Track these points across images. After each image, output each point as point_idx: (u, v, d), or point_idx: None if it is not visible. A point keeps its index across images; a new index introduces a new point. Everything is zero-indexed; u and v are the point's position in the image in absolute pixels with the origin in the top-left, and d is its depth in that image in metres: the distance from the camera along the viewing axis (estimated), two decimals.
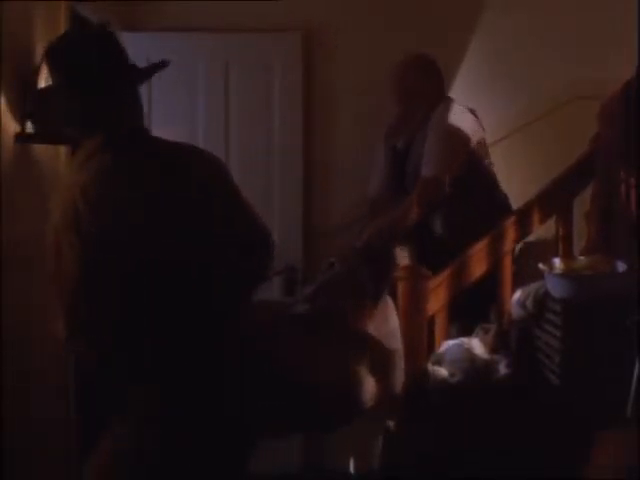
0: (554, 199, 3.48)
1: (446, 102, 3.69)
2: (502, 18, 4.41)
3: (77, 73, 2.18)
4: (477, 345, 3.05)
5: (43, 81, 2.77)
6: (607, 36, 4.16)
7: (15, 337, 2.71)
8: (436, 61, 3.79)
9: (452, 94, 4.00)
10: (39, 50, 2.92)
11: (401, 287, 3.09)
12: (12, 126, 2.74)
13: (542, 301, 3.05)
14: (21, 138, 2.77)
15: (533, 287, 3.12)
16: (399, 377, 2.49)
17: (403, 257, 3.23)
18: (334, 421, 2.34)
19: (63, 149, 3.15)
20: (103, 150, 2.18)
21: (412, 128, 3.72)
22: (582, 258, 3.10)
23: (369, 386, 2.33)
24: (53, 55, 2.26)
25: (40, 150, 2.94)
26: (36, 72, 2.82)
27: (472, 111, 3.71)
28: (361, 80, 4.43)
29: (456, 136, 3.58)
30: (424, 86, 3.71)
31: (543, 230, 3.66)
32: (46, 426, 3.04)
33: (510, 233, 3.37)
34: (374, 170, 3.91)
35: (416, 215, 3.54)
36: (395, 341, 2.52)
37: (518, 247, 3.64)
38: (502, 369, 2.97)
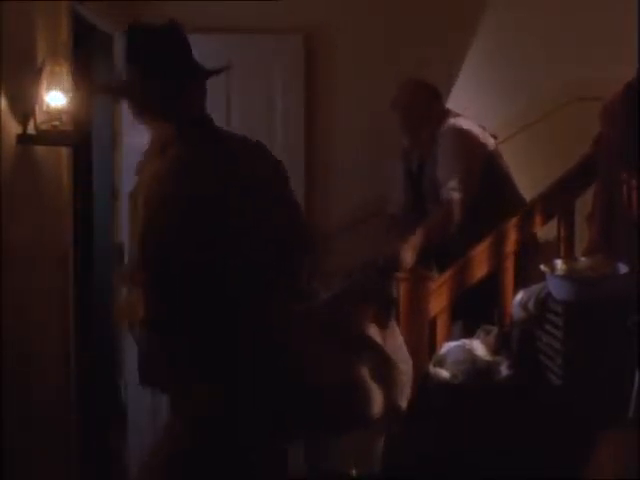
0: (556, 200, 3.47)
1: (453, 119, 3.69)
2: (502, 18, 4.40)
3: (155, 65, 2.26)
4: (479, 346, 3.05)
5: (45, 83, 2.77)
6: (607, 36, 4.16)
7: (15, 337, 2.71)
8: (435, 86, 3.80)
9: (452, 95, 4.01)
10: (39, 50, 2.92)
11: (403, 288, 3.09)
12: (13, 127, 2.74)
13: (544, 302, 3.04)
14: (22, 139, 2.77)
15: (535, 288, 3.12)
16: (404, 392, 2.44)
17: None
18: (338, 424, 2.31)
19: (64, 150, 3.15)
20: (177, 141, 2.23)
21: (422, 150, 3.76)
22: (584, 259, 3.10)
23: (376, 396, 2.30)
24: (130, 47, 2.32)
25: (41, 151, 2.94)
26: (39, 72, 2.82)
27: (480, 125, 3.73)
28: (362, 81, 4.43)
29: (469, 152, 3.61)
30: (427, 112, 3.73)
31: (545, 231, 3.65)
32: (46, 426, 3.04)
33: (512, 234, 3.37)
34: (393, 188, 3.95)
35: (439, 237, 3.52)
36: (402, 355, 2.48)
37: None
38: (504, 370, 2.96)
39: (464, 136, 3.63)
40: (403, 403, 2.39)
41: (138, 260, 2.15)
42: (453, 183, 3.54)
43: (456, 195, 3.53)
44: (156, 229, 2.11)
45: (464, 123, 3.68)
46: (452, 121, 3.68)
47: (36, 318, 2.98)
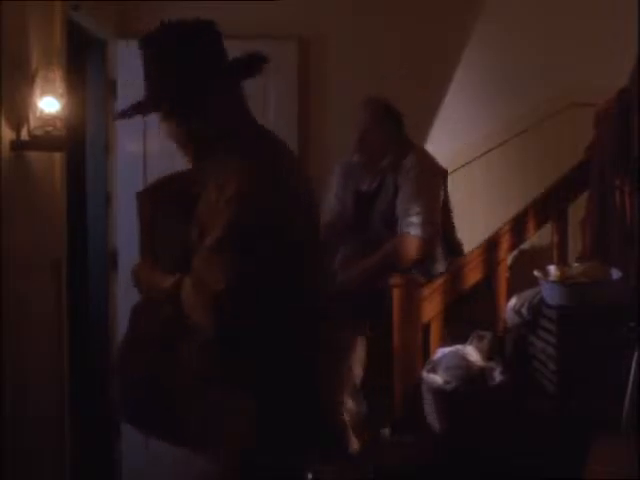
0: (549, 206, 3.48)
1: (415, 151, 3.50)
2: (498, 21, 4.39)
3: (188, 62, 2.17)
4: (472, 352, 3.05)
5: (39, 89, 2.77)
6: (607, 37, 4.13)
7: (15, 337, 2.72)
8: (392, 105, 3.56)
9: (449, 101, 3.99)
10: (33, 56, 2.91)
11: (396, 294, 3.09)
12: (7, 133, 2.74)
13: (537, 308, 3.05)
14: (16, 145, 2.77)
15: (528, 294, 3.12)
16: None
17: None
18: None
19: (58, 156, 3.14)
20: (228, 146, 2.17)
21: (378, 175, 3.53)
22: (577, 265, 3.11)
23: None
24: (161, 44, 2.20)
25: (35, 157, 2.94)
26: (32, 78, 2.82)
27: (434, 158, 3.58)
28: (359, 84, 4.41)
29: (432, 190, 3.43)
30: (387, 138, 3.50)
31: (538, 237, 3.66)
32: (46, 426, 3.05)
33: (505, 240, 3.38)
34: (329, 195, 3.70)
35: (389, 269, 3.30)
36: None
37: (513, 254, 3.64)
38: (497, 376, 2.97)
39: (428, 175, 3.45)
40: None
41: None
42: (415, 219, 3.35)
43: (418, 232, 3.34)
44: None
45: (427, 158, 3.53)
46: (417, 153, 3.50)
47: (36, 319, 2.99)
